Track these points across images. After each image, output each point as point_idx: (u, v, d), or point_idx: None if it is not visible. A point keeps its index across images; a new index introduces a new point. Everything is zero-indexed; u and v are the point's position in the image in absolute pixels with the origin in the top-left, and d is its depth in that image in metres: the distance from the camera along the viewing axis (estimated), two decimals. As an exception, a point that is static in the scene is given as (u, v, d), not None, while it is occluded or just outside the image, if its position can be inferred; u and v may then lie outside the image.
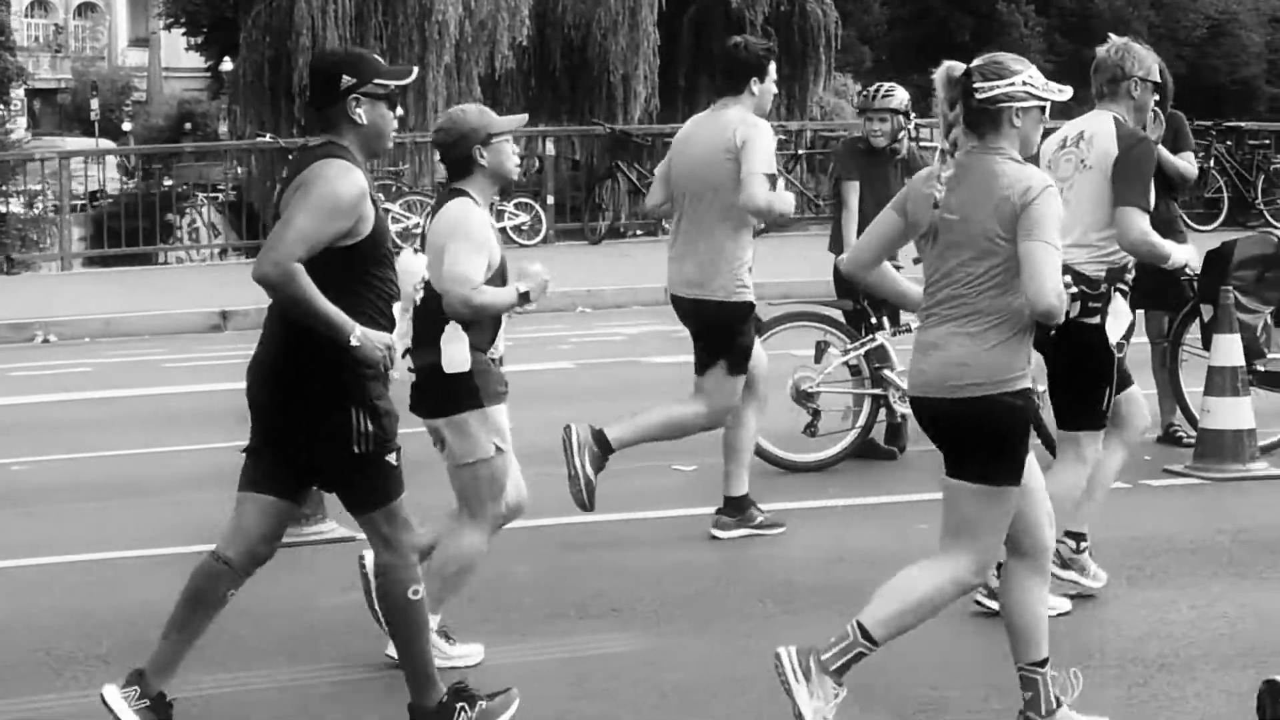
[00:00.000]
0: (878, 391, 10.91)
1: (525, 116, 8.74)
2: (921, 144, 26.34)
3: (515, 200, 24.81)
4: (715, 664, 7.33)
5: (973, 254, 6.10)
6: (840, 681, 6.10)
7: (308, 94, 6.36)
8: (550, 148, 27.44)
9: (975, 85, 6.12)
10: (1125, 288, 7.97)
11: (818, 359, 10.83)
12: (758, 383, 9.29)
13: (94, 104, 53.63)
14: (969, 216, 6.09)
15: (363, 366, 6.12)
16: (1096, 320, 7.82)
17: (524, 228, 24.19)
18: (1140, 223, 7.84)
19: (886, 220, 6.52)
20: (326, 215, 6.08)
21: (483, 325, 7.12)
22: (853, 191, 11.11)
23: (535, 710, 6.65)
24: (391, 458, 6.26)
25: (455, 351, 7.04)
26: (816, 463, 10.81)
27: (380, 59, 6.48)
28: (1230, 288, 10.61)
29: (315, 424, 6.17)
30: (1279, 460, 10.77)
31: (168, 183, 31.31)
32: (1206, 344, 10.73)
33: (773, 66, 9.30)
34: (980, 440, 6.13)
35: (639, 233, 25.65)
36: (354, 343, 6.08)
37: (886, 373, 10.85)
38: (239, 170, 28.18)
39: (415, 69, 6.73)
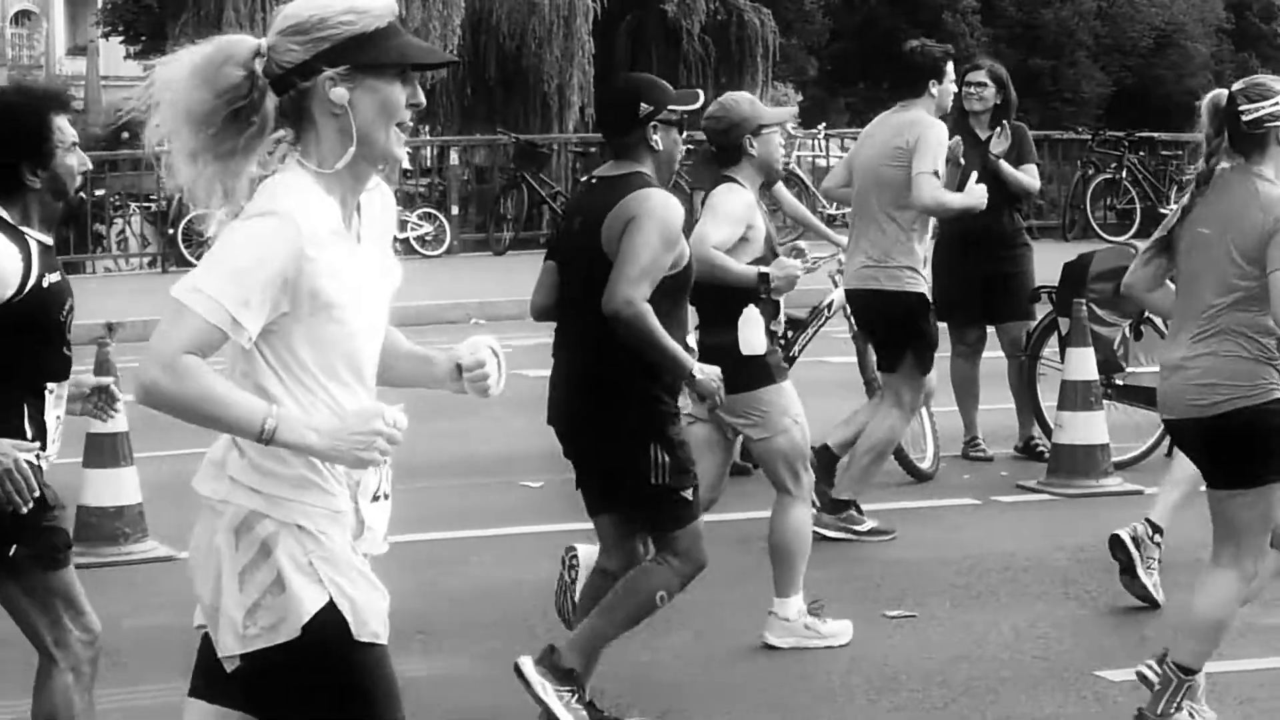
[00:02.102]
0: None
1: (795, 109, 9.20)
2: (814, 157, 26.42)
3: (419, 210, 24.62)
4: (518, 690, 7.16)
5: (1221, 271, 6.21)
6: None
7: (605, 123, 6.64)
8: (455, 157, 27.24)
9: (1241, 108, 6.19)
10: None
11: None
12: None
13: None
14: (1221, 233, 6.20)
15: (666, 402, 6.35)
16: None
17: (428, 238, 23.95)
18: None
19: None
20: (663, 247, 6.26)
21: (765, 304, 7.30)
22: (706, 201, 10.93)
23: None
24: (687, 493, 6.43)
25: (752, 334, 7.26)
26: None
27: (668, 85, 6.53)
28: (1085, 300, 10.47)
29: (618, 458, 6.32)
30: (1134, 476, 10.62)
31: (99, 192, 31.02)
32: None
33: (950, 67, 9.73)
34: (1239, 450, 6.25)
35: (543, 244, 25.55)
36: (697, 375, 6.34)
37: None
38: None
39: (700, 94, 6.81)
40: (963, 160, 10.75)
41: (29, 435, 5.28)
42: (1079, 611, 8.10)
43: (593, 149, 26.47)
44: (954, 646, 7.64)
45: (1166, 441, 11.07)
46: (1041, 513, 9.99)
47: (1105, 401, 10.42)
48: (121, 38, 41.62)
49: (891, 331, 9.49)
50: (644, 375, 6.36)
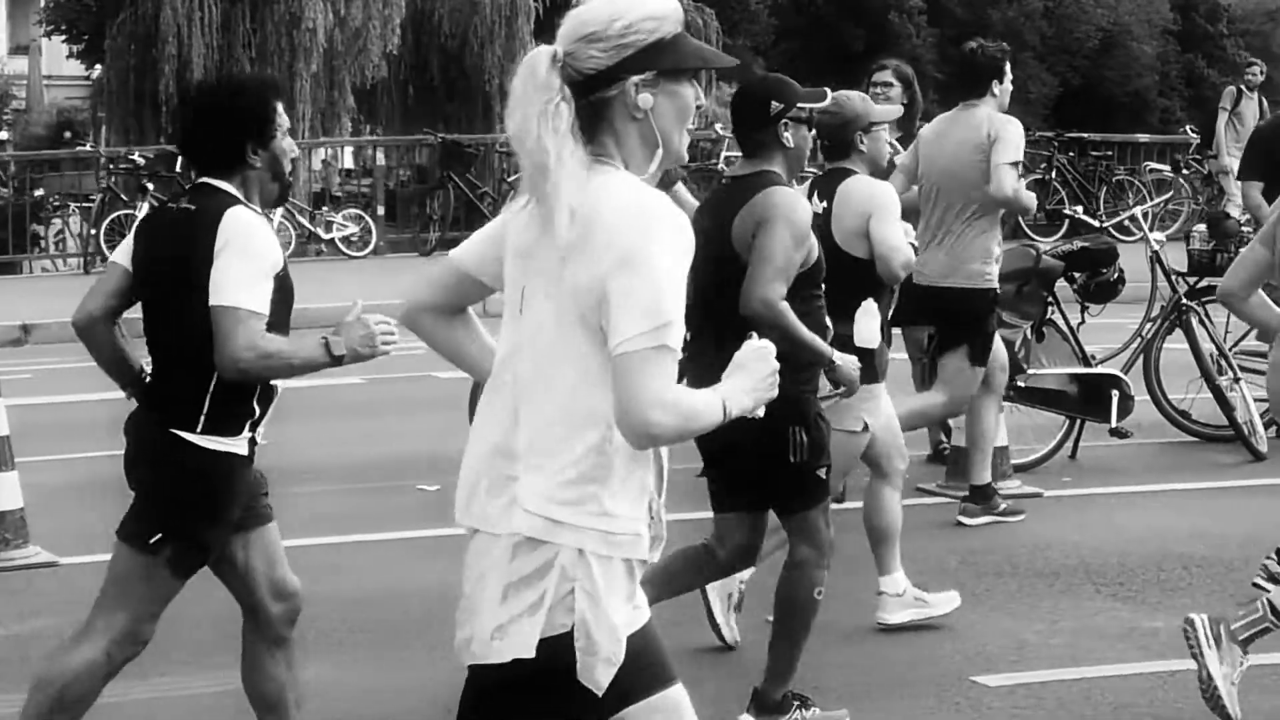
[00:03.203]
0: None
1: (900, 108, 9.26)
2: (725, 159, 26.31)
3: (344, 211, 24.50)
4: (387, 697, 7.13)
5: None
6: (1246, 651, 6.45)
7: (738, 121, 6.73)
8: (381, 157, 27.13)
9: None
10: None
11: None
12: (995, 374, 9.73)
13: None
14: None
15: (803, 385, 6.42)
16: None
17: (353, 239, 23.82)
18: None
19: (1255, 254, 6.84)
20: (794, 245, 6.39)
21: (884, 298, 7.62)
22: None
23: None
24: (822, 471, 6.59)
25: (867, 326, 7.42)
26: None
27: (796, 84, 6.68)
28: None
29: (761, 441, 6.25)
30: (1033, 478, 10.57)
31: (38, 192, 30.82)
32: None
33: (1009, 66, 9.92)
34: None
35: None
36: (837, 362, 6.54)
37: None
38: (113, 180, 27.77)
39: (828, 91, 6.91)
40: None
41: (256, 414, 5.57)
42: (963, 615, 8.01)
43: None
44: (831, 652, 7.55)
45: (1070, 443, 11.12)
46: (939, 515, 9.91)
47: (1006, 404, 10.34)
48: (64, 37, 41.44)
49: (957, 325, 9.64)
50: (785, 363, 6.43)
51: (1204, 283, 11.67)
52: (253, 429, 5.52)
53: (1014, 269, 10.44)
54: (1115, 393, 10.75)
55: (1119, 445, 11.26)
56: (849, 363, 6.62)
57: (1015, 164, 9.63)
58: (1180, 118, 41.29)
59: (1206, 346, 11.43)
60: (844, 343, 7.06)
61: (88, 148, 28.45)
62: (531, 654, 3.74)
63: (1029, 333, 10.81)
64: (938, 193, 9.74)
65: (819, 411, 6.61)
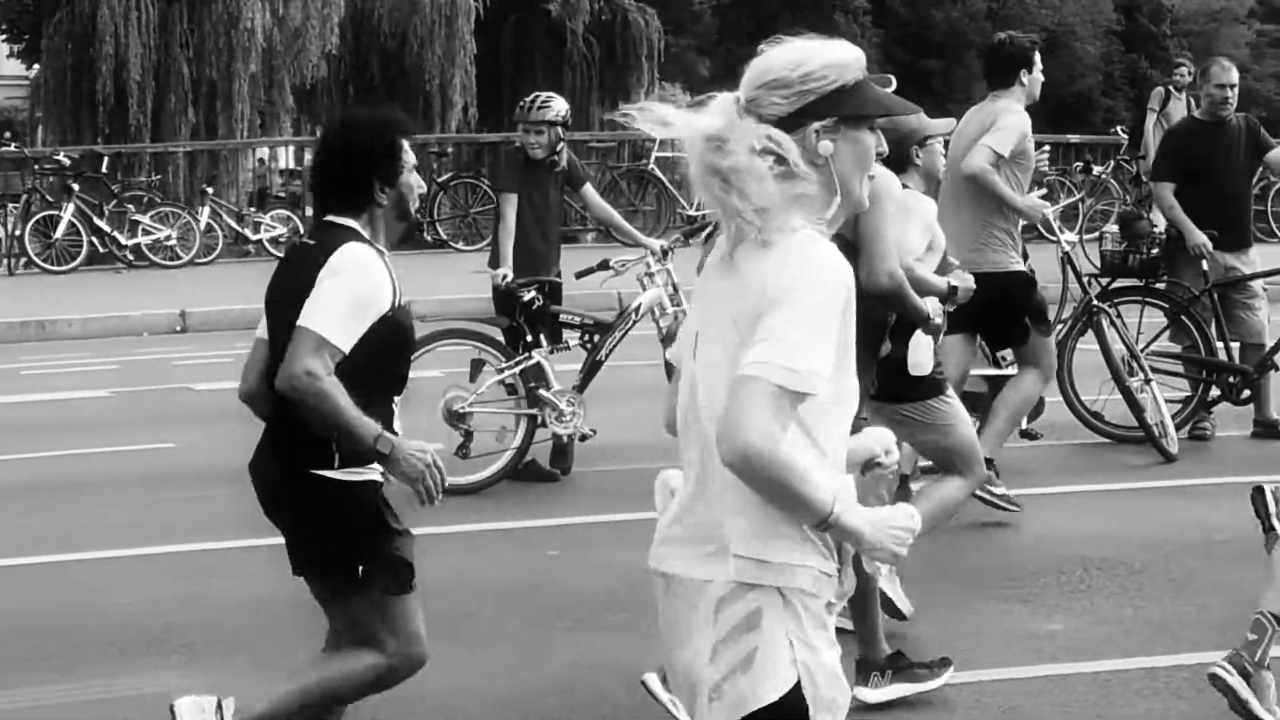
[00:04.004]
0: (533, 411, 10.59)
1: (954, 121, 9.37)
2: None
3: (273, 212, 24.35)
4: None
5: None
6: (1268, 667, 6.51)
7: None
8: (309, 158, 26.97)
9: None
10: None
11: (473, 378, 10.51)
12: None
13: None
14: None
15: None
16: None
17: (281, 240, 23.70)
18: None
19: None
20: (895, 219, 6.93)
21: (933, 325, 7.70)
22: (511, 204, 10.80)
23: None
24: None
25: (921, 356, 7.47)
26: (469, 485, 10.45)
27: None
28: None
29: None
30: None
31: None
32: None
33: (1038, 56, 10.14)
34: None
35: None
36: (933, 318, 7.15)
37: (543, 392, 10.54)
38: (38, 181, 27.57)
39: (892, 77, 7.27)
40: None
41: None
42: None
43: (450, 149, 26.30)
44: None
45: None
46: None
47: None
48: (4, 36, 41.17)
49: (1004, 311, 9.79)
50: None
51: (1116, 284, 11.68)
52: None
53: (921, 272, 10.41)
54: (1026, 394, 10.71)
55: (1030, 447, 11.26)
56: (935, 308, 7.19)
57: (996, 152, 9.85)
58: (1125, 118, 41.39)
59: (1117, 348, 11.40)
60: (899, 365, 7.31)
61: (12, 148, 28.22)
62: (754, 708, 3.67)
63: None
64: (957, 185, 9.91)
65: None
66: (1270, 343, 12.00)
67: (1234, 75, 12.41)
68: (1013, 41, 10.25)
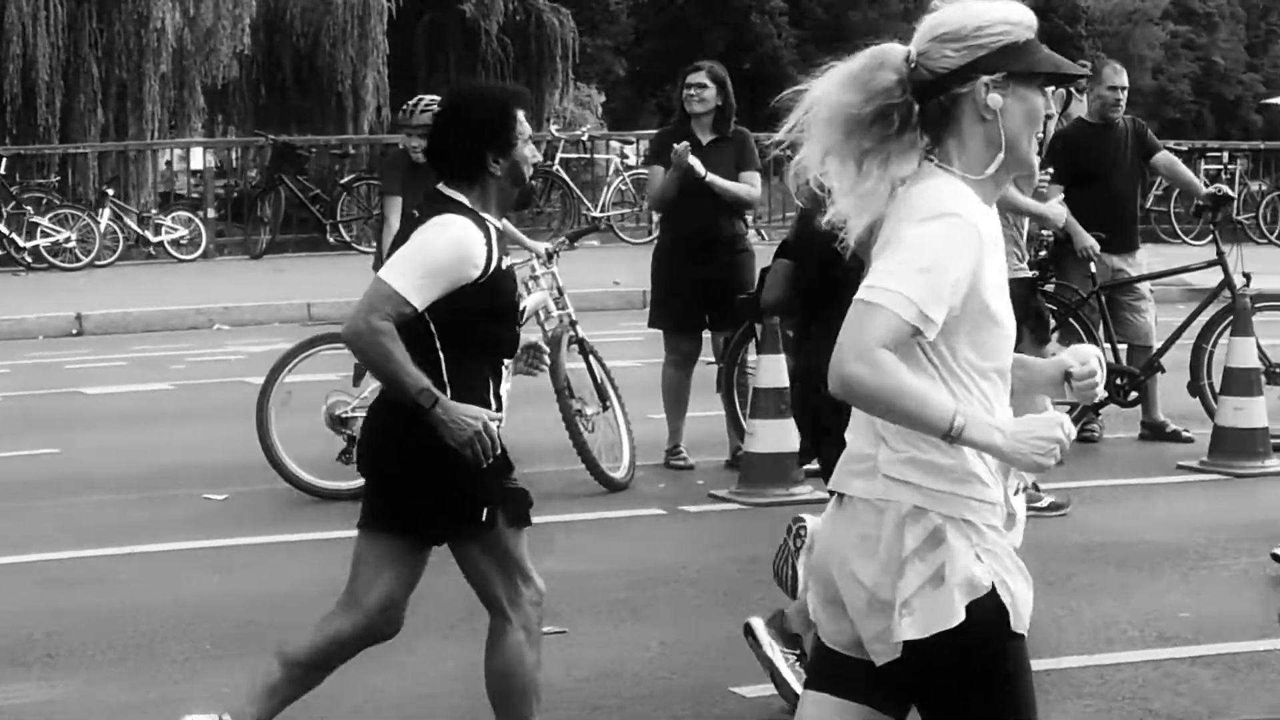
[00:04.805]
0: (418, 416, 10.50)
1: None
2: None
3: (174, 214, 24.17)
4: (133, 712, 6.96)
5: None
6: None
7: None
8: (211, 159, 26.85)
9: None
10: None
11: (356, 381, 10.43)
12: None
13: None
14: None
15: None
16: None
17: (182, 241, 23.52)
18: None
19: None
20: None
21: None
22: (395, 207, 10.72)
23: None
24: None
25: None
26: (352, 490, 10.33)
27: None
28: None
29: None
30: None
31: None
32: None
33: None
34: None
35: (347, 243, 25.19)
36: None
37: (425, 396, 10.46)
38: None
39: None
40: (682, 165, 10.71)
41: (493, 406, 5.71)
42: (731, 626, 7.93)
43: (353, 150, 26.17)
44: (597, 663, 7.47)
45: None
46: (727, 523, 9.87)
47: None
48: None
49: None
50: None
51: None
52: (499, 405, 5.74)
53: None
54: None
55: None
56: None
57: None
58: (1039, 118, 41.56)
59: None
60: None
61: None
62: (949, 624, 3.79)
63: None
64: None
65: None
66: (1157, 345, 12.06)
67: (1124, 78, 12.48)
68: None
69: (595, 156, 27.58)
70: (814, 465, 10.73)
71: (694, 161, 10.91)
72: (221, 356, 15.52)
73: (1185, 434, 11.88)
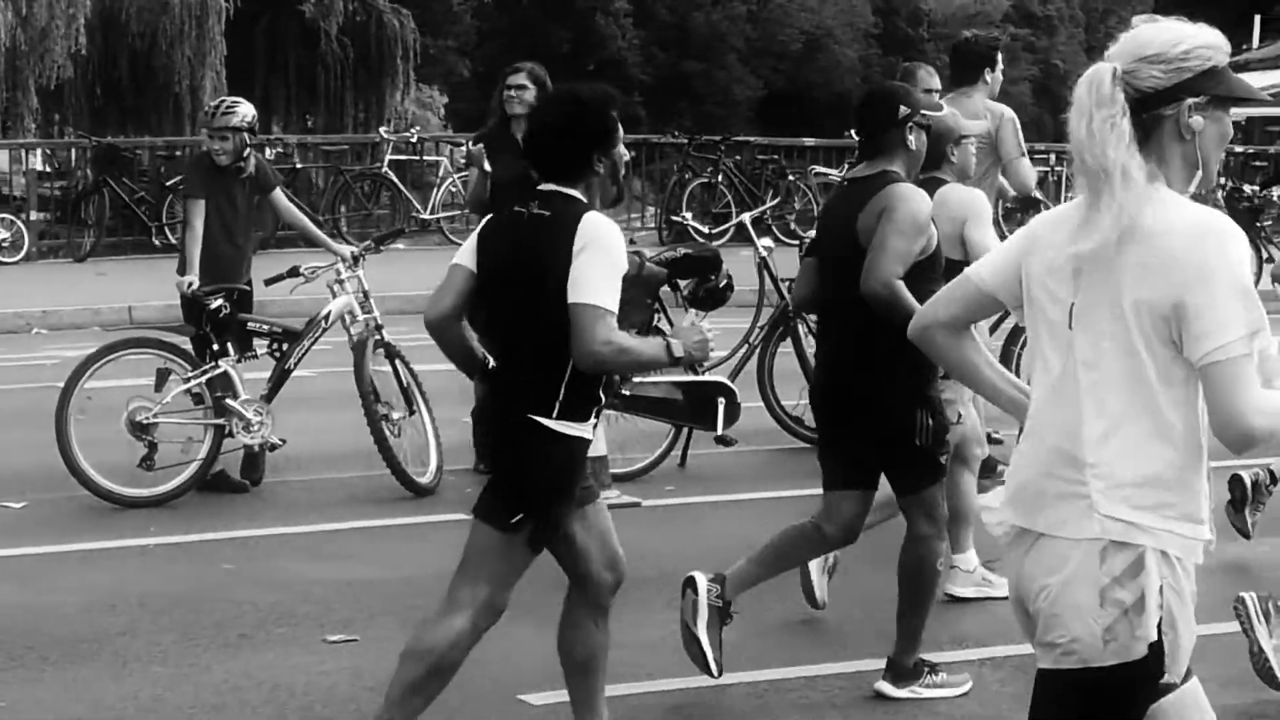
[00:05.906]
0: (220, 421, 10.41)
1: (987, 123, 9.81)
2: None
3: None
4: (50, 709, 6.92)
5: None
6: None
7: (864, 123, 7.21)
8: (38, 160, 26.47)
9: None
10: None
11: (158, 387, 10.32)
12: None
13: None
14: None
15: (926, 372, 6.84)
16: None
17: (4, 244, 23.14)
18: None
19: None
20: (913, 233, 6.88)
21: None
22: (197, 211, 10.63)
23: None
24: (943, 454, 7.20)
25: None
26: (153, 497, 10.26)
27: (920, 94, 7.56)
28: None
29: (888, 426, 6.97)
30: (635, 488, 10.58)
31: None
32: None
33: (1000, 56, 10.55)
34: None
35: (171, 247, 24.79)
36: None
37: (230, 401, 10.37)
38: None
39: (944, 104, 7.84)
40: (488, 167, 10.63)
41: (602, 401, 6.02)
42: (521, 632, 7.88)
43: (178, 152, 25.85)
44: (388, 671, 7.36)
45: (678, 451, 11.10)
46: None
47: (610, 412, 10.27)
48: None
49: None
50: (909, 349, 6.45)
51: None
52: (597, 416, 5.98)
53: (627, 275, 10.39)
54: (722, 400, 10.69)
55: (730, 453, 11.25)
56: None
57: (1022, 155, 10.47)
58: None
59: (814, 354, 11.45)
60: None
61: None
62: (1143, 654, 3.91)
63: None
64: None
65: (940, 399, 7.13)
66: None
67: (936, 81, 12.54)
68: (978, 40, 10.90)
69: (425, 159, 27.44)
70: (635, 466, 10.85)
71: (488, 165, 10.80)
72: (36, 361, 15.24)
73: (995, 434, 11.95)
